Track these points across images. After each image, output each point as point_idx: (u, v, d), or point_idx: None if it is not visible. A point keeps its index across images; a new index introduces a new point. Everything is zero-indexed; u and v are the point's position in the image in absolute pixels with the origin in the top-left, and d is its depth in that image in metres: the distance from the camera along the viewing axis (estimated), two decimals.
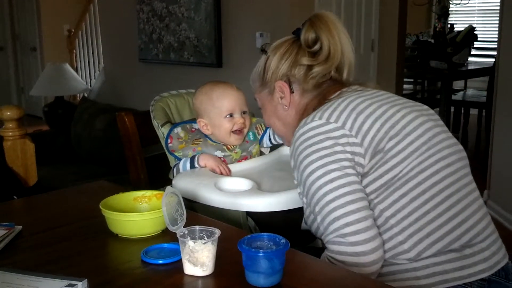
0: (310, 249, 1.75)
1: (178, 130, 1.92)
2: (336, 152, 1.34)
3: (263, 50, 1.66)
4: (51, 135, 4.61)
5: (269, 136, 2.01)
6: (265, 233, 1.18)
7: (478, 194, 1.43)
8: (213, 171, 1.81)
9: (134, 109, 3.91)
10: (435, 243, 1.32)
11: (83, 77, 6.84)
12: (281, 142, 2.01)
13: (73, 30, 7.02)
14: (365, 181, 1.34)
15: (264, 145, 2.04)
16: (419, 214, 1.32)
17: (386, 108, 1.41)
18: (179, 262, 1.20)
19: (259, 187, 1.69)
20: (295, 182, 1.47)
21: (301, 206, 1.67)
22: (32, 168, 2.36)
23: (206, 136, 1.92)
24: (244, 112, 1.91)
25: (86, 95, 6.29)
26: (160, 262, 1.23)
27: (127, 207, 1.47)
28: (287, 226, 1.73)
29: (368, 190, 1.34)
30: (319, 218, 1.35)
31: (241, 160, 1.94)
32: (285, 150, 2.04)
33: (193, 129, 1.95)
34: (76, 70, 6.68)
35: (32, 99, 7.72)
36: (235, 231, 1.43)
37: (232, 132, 1.89)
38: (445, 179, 1.36)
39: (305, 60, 1.54)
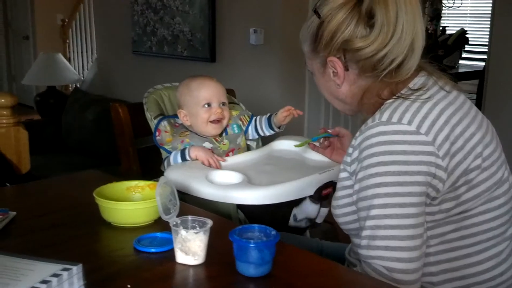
0: (302, 241, 1.78)
1: (164, 123, 1.95)
2: (418, 173, 1.17)
3: (316, 12, 1.32)
4: (41, 124, 4.62)
5: (255, 126, 2.03)
6: (256, 225, 1.20)
7: None
8: (203, 163, 1.83)
9: (125, 101, 3.93)
10: None
11: (75, 67, 6.83)
12: (268, 133, 2.04)
13: (67, 20, 7.00)
14: (429, 209, 1.21)
15: (250, 137, 2.06)
16: (460, 254, 1.25)
17: (473, 130, 1.25)
18: (171, 251, 1.22)
19: (249, 181, 1.72)
20: (342, 167, 1.33)
21: (289, 200, 1.70)
22: (25, 156, 2.37)
23: (190, 130, 1.95)
24: (223, 104, 1.94)
25: (78, 85, 6.28)
26: (153, 250, 1.25)
27: (120, 196, 1.49)
28: (275, 222, 1.76)
29: (427, 218, 1.22)
30: (367, 232, 1.21)
31: (229, 152, 1.97)
32: (276, 145, 2.06)
33: (176, 124, 1.97)
34: (69, 60, 6.66)
35: (24, 88, 7.69)
36: (226, 222, 1.46)
37: (210, 122, 1.91)
38: (500, 227, 1.28)
39: (358, 40, 1.25)
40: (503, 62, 3.74)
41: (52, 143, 4.36)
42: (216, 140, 1.94)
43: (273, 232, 1.17)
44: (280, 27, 4.15)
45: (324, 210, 1.81)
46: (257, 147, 2.12)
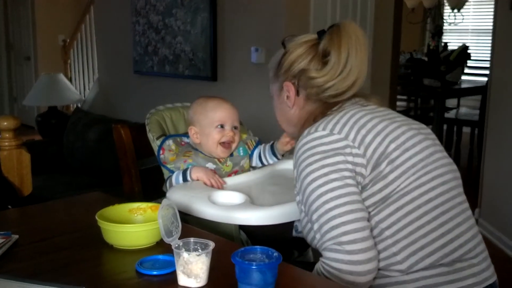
0: (300, 264, 1.78)
1: (169, 142, 1.96)
2: (338, 163, 1.37)
3: (283, 44, 1.63)
4: (43, 144, 4.62)
5: (259, 154, 2.04)
6: (258, 246, 1.20)
7: (471, 213, 1.48)
8: (205, 184, 1.83)
9: (127, 121, 3.93)
10: (427, 257, 1.36)
11: (77, 87, 6.84)
12: (271, 161, 2.04)
13: (68, 41, 7.03)
14: (364, 194, 1.38)
15: (253, 164, 2.06)
16: (413, 227, 1.36)
17: (386, 123, 1.45)
18: (173, 274, 1.22)
19: (252, 201, 1.71)
20: (295, 191, 1.50)
21: (293, 220, 1.71)
22: (28, 178, 2.37)
23: (196, 149, 1.95)
24: (235, 127, 1.95)
25: (79, 105, 6.30)
26: (155, 273, 1.25)
27: (122, 218, 1.49)
28: (278, 239, 1.76)
29: (366, 203, 1.37)
30: (316, 226, 1.38)
31: (232, 173, 1.97)
32: (279, 165, 2.06)
33: (183, 143, 1.98)
34: (70, 80, 6.68)
35: (25, 109, 7.72)
36: (228, 244, 1.45)
37: (220, 143, 1.92)
38: (440, 196, 1.40)
39: (312, 71, 1.53)
40: (505, 77, 3.74)
41: (53, 163, 4.35)
42: (220, 161, 1.94)
43: (275, 254, 1.17)
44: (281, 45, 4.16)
45: None
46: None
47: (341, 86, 1.51)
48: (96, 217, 1.42)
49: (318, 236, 1.38)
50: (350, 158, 1.38)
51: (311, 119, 1.54)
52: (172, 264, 1.23)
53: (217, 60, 4.69)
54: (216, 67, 4.69)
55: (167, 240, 1.28)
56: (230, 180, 1.91)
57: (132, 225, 1.45)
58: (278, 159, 2.03)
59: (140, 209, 1.53)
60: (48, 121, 5.75)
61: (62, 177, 4.15)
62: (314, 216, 1.38)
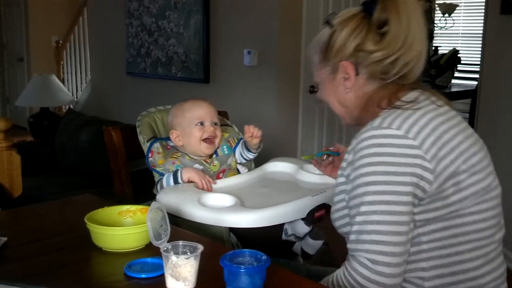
0: (291, 266, 1.79)
1: (157, 145, 1.97)
2: (404, 174, 1.25)
3: (328, 22, 1.45)
4: (36, 146, 4.61)
5: (240, 151, 2.04)
6: (246, 249, 1.20)
7: (502, 249, 1.42)
8: (196, 185, 1.84)
9: (120, 122, 3.94)
10: (453, 285, 1.32)
11: (69, 88, 6.83)
12: (251, 156, 2.04)
13: (61, 42, 7.01)
14: (419, 208, 1.29)
15: (238, 160, 2.06)
16: (452, 251, 1.31)
17: (461, 139, 1.33)
18: (162, 277, 1.21)
19: (242, 204, 1.71)
20: (341, 172, 1.41)
21: (282, 222, 1.71)
22: (18, 180, 2.37)
23: (182, 152, 1.96)
24: (215, 124, 1.96)
25: (72, 106, 6.28)
26: (143, 276, 1.25)
27: (111, 221, 1.49)
28: (268, 241, 1.76)
29: (417, 217, 1.29)
30: (355, 227, 1.29)
31: (220, 173, 1.98)
32: (269, 167, 2.07)
33: (168, 146, 1.99)
34: (63, 81, 6.67)
35: (17, 109, 7.69)
36: (217, 247, 1.45)
37: (202, 140, 1.93)
38: (488, 229, 1.34)
39: (371, 44, 1.37)
40: (495, 81, 3.76)
41: (46, 164, 4.35)
42: (206, 162, 1.95)
43: (264, 257, 1.17)
44: (274, 48, 4.17)
45: (319, 243, 1.83)
46: (250, 169, 2.11)
47: (407, 58, 1.36)
48: (85, 220, 1.42)
49: (353, 237, 1.29)
50: (418, 171, 1.26)
51: (375, 102, 1.40)
52: (160, 267, 1.23)
53: (209, 62, 4.69)
54: (208, 69, 4.70)
55: (155, 243, 1.28)
56: (221, 183, 1.91)
57: (121, 228, 1.45)
58: (254, 153, 2.04)
59: (130, 211, 1.53)
60: (40, 122, 5.74)
61: (54, 178, 4.14)
62: (358, 218, 1.28)
